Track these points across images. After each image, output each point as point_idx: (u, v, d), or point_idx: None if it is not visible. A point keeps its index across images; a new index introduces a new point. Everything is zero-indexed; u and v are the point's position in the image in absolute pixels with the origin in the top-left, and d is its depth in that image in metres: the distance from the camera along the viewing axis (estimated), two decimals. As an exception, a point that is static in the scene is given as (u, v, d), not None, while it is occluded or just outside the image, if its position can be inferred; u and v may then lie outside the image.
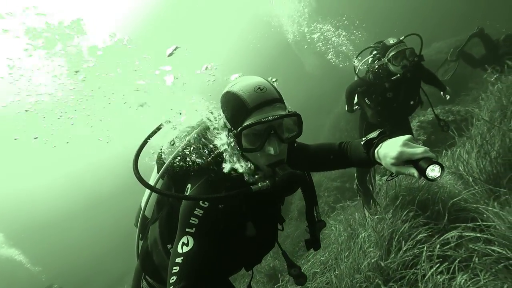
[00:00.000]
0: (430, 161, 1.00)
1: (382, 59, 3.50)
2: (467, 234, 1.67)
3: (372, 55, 3.73)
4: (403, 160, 1.08)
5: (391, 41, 3.44)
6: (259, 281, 4.68)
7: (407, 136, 1.12)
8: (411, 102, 3.72)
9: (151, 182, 1.53)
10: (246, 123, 1.13)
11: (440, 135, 5.86)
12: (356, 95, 3.93)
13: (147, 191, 1.59)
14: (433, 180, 1.01)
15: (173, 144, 1.48)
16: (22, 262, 17.82)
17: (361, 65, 3.88)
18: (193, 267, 1.07)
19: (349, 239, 3.16)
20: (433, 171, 1.00)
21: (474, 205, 1.78)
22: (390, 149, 1.13)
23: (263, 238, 1.46)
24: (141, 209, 1.64)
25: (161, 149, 1.53)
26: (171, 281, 1.06)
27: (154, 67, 1.66)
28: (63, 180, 31.12)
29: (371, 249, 2.45)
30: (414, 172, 1.05)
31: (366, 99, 3.81)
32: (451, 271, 1.84)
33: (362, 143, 1.30)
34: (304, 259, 4.20)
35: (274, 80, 1.45)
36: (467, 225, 1.74)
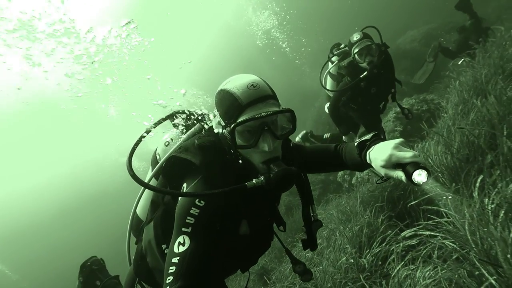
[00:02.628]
0: (418, 166, 1.02)
1: (350, 57, 3.48)
2: (421, 232, 1.84)
3: (336, 61, 3.75)
4: (392, 163, 1.11)
5: (355, 37, 3.39)
6: (250, 280, 4.84)
7: (399, 140, 1.16)
8: (392, 90, 3.75)
9: (146, 180, 1.53)
10: (239, 120, 1.15)
11: (415, 125, 6.12)
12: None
13: (140, 193, 1.59)
14: (418, 185, 1.03)
15: (167, 145, 1.51)
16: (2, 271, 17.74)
17: (329, 70, 3.89)
18: (190, 266, 1.07)
19: (329, 235, 3.34)
20: (419, 176, 1.02)
21: (429, 206, 1.96)
22: (380, 152, 1.16)
23: (258, 238, 1.47)
24: (134, 212, 1.64)
25: (156, 150, 1.57)
26: (167, 281, 1.05)
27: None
28: (42, 185, 30.25)
29: (347, 246, 2.63)
30: (402, 175, 1.08)
31: (351, 104, 3.78)
32: (419, 262, 2.02)
33: (356, 144, 1.34)
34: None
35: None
36: (428, 222, 1.92)
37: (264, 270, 4.67)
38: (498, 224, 1.26)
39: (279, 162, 1.20)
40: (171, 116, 1.60)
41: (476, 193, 1.55)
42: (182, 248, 1.09)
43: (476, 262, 1.35)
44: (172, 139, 1.52)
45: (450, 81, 4.09)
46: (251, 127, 1.17)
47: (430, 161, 3.15)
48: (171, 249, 1.11)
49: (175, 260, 1.07)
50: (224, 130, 1.21)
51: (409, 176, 1.03)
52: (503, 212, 1.29)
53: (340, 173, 7.21)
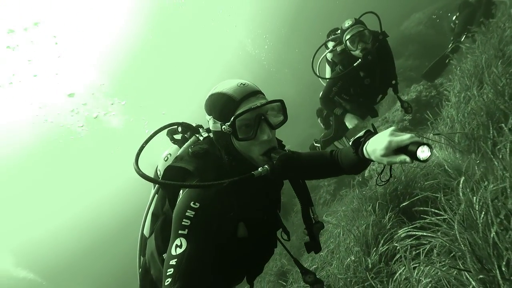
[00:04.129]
0: (418, 144, 1.04)
1: (342, 44, 3.27)
2: (414, 232, 1.86)
3: (327, 51, 3.56)
4: (393, 149, 1.12)
5: (347, 23, 3.17)
6: (270, 281, 4.93)
7: (391, 128, 1.18)
8: (393, 82, 3.53)
9: (149, 199, 1.61)
10: (238, 112, 1.20)
11: (425, 113, 5.99)
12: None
13: (145, 211, 1.63)
14: (425, 161, 1.04)
15: (166, 160, 1.55)
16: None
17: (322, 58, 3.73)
18: (188, 267, 1.08)
19: (339, 234, 3.37)
20: (423, 152, 1.03)
21: (423, 208, 1.97)
22: (378, 142, 1.18)
23: (259, 243, 1.48)
24: (142, 233, 1.64)
25: (157, 167, 1.60)
26: (166, 284, 1.06)
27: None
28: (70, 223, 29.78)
29: (353, 244, 2.67)
30: (405, 158, 1.09)
31: (343, 95, 3.62)
32: (422, 256, 2.03)
33: (351, 143, 1.36)
34: (308, 255, 4.44)
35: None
36: (425, 221, 1.94)
37: (281, 272, 4.75)
38: (480, 225, 1.28)
39: (278, 150, 1.27)
40: (171, 126, 1.62)
41: (461, 193, 1.56)
42: (179, 250, 1.11)
43: (466, 263, 1.37)
44: (171, 154, 1.57)
45: (452, 67, 4.00)
46: (248, 120, 1.23)
47: (436, 153, 3.12)
48: (169, 252, 1.14)
49: (172, 262, 1.10)
50: (224, 127, 1.24)
51: (413, 155, 1.05)
52: (483, 213, 1.31)
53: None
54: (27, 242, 23.87)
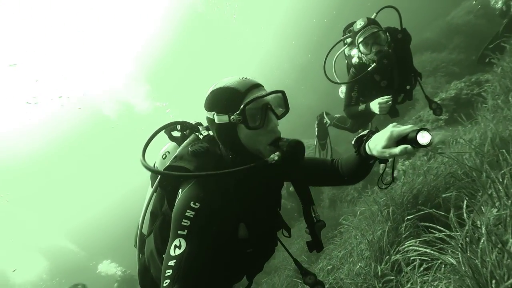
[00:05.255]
0: (417, 130, 1.06)
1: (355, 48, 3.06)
2: (419, 248, 1.79)
3: (345, 46, 3.38)
4: (394, 140, 1.14)
5: (359, 24, 2.94)
6: (288, 276, 5.00)
7: (392, 123, 1.19)
8: (408, 87, 3.24)
9: (147, 197, 1.60)
10: (246, 101, 1.21)
11: (464, 112, 5.55)
12: None
13: (143, 209, 1.61)
14: (427, 145, 1.05)
15: (165, 158, 1.54)
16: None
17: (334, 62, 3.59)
18: (186, 269, 1.07)
19: (353, 238, 3.33)
20: (423, 138, 1.05)
21: (429, 224, 1.88)
22: (380, 136, 1.19)
23: (260, 243, 1.47)
24: (141, 231, 1.63)
25: (154, 164, 1.58)
26: (164, 285, 1.05)
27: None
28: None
29: (364, 249, 2.63)
30: (406, 146, 1.10)
31: (360, 97, 3.38)
32: (433, 272, 1.96)
33: (353, 141, 1.37)
34: (326, 254, 4.43)
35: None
36: (435, 235, 1.86)
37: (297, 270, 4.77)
38: (479, 250, 1.21)
39: (284, 139, 1.27)
40: (171, 125, 1.61)
41: (465, 214, 1.47)
42: (178, 251, 1.11)
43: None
44: (169, 152, 1.56)
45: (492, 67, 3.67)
46: (254, 110, 1.23)
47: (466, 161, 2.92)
48: (167, 252, 1.13)
49: (171, 263, 1.09)
50: (232, 117, 1.22)
51: (414, 141, 1.07)
52: (483, 239, 1.23)
53: (381, 165, 6.93)
54: (79, 224, 25.94)
